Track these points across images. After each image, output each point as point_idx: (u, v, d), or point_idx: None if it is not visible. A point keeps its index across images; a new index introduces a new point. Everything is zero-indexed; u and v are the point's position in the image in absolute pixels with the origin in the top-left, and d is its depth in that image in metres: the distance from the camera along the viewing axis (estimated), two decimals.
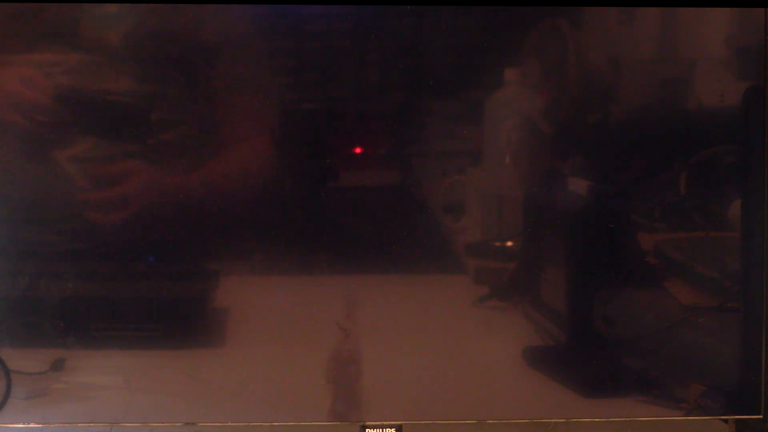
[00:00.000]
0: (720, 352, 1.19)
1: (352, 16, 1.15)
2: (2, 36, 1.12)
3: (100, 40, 1.13)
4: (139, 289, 1.15)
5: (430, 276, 1.18)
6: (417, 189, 1.17)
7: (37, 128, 1.13)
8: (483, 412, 1.18)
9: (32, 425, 1.16)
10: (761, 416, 1.18)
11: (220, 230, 1.15)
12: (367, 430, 1.16)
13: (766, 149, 1.16)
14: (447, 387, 1.18)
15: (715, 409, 1.18)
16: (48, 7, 1.11)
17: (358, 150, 1.16)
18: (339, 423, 1.17)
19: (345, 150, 1.16)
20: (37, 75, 1.12)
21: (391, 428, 1.16)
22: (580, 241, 1.19)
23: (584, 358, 1.21)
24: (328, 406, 1.17)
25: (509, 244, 1.18)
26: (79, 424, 1.16)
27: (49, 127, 1.13)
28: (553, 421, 1.18)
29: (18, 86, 1.12)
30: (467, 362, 1.17)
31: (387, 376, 1.17)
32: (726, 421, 1.20)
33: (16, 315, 1.14)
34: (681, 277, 1.20)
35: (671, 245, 1.19)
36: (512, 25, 1.17)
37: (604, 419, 1.18)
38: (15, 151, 1.13)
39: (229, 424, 1.16)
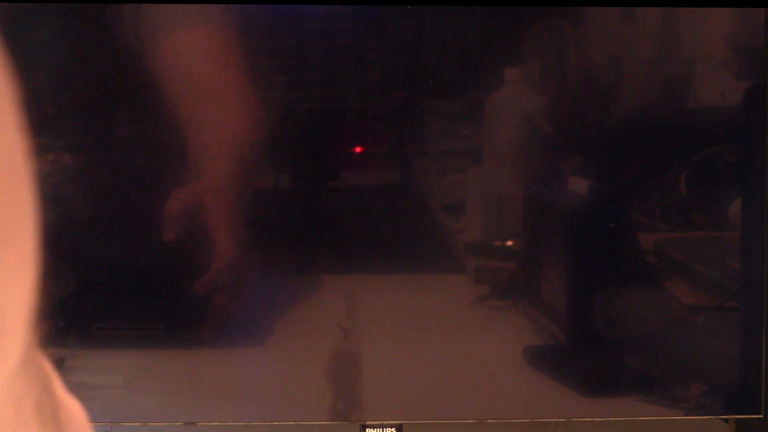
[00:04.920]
0: (720, 352, 1.19)
1: (352, 16, 1.15)
2: None
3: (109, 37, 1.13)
4: (140, 288, 1.15)
5: (430, 276, 1.18)
6: (417, 188, 1.17)
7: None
8: (483, 412, 1.18)
9: None
10: (761, 416, 1.18)
11: (220, 230, 1.15)
12: (367, 429, 1.16)
13: (767, 149, 1.16)
14: (447, 387, 1.18)
15: (716, 409, 1.18)
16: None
17: (358, 149, 1.16)
18: (339, 422, 1.17)
19: (345, 149, 1.16)
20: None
21: (391, 428, 1.16)
22: (580, 240, 1.19)
23: (584, 357, 1.21)
24: (328, 406, 1.17)
25: (509, 243, 1.18)
26: None
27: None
28: (553, 420, 1.18)
29: None
30: (467, 362, 1.17)
31: (387, 376, 1.17)
32: (726, 420, 1.19)
33: None
34: (681, 277, 1.20)
35: (671, 245, 1.19)
36: (512, 25, 1.17)
37: (604, 419, 1.18)
38: None
39: (229, 423, 1.16)
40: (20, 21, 1.11)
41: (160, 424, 1.16)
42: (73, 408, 0.46)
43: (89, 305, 1.15)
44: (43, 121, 1.13)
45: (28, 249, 0.35)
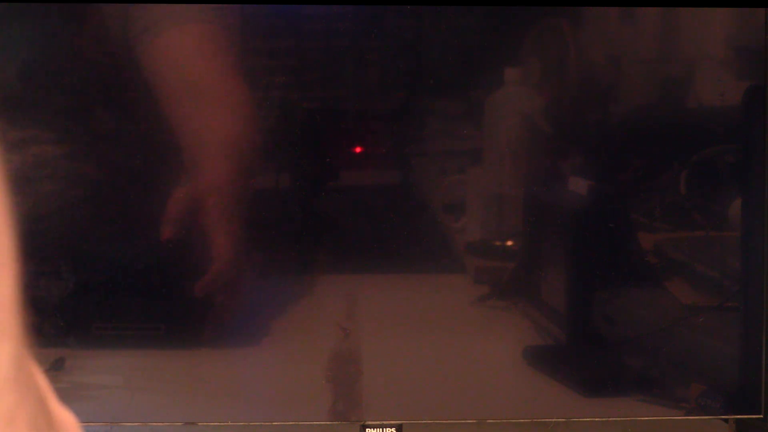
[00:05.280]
0: (720, 352, 1.19)
1: (352, 16, 1.15)
2: None
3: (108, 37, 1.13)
4: (140, 288, 1.15)
5: (430, 276, 1.18)
6: (417, 188, 1.17)
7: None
8: (483, 412, 1.18)
9: None
10: (761, 416, 1.18)
11: (220, 230, 1.15)
12: (367, 429, 1.16)
13: (767, 149, 1.16)
14: (447, 387, 1.18)
15: (716, 409, 1.18)
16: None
17: (358, 149, 1.16)
18: (339, 422, 1.17)
19: (345, 150, 1.16)
20: None
21: (391, 428, 1.16)
22: (580, 240, 1.19)
23: (584, 357, 1.21)
24: (328, 406, 1.17)
25: (509, 243, 1.18)
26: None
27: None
28: (553, 420, 1.18)
29: None
30: (467, 362, 1.17)
31: (387, 376, 1.17)
32: (726, 420, 1.19)
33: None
34: (681, 277, 1.20)
35: (671, 245, 1.19)
36: (512, 25, 1.17)
37: (604, 419, 1.18)
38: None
39: (229, 423, 1.16)
40: (16, 21, 1.11)
41: (160, 424, 1.16)
42: (68, 423, 0.46)
43: (89, 305, 1.15)
44: (43, 121, 1.13)
45: (4, 253, 0.35)
